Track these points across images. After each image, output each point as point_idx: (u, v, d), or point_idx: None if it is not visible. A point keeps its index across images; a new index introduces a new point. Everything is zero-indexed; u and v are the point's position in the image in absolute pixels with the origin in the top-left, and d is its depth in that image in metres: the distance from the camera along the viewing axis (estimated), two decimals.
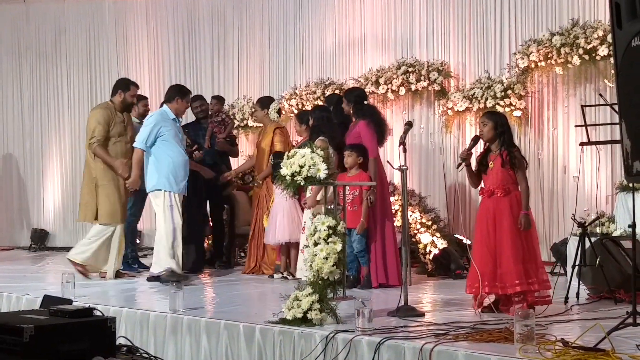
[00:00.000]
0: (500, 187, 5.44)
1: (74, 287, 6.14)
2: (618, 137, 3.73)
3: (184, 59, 11.91)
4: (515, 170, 5.46)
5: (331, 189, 5.87)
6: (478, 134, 5.63)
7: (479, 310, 5.37)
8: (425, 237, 8.16)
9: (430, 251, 8.02)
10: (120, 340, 4.24)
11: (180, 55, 11.92)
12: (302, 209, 7.50)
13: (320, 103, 9.51)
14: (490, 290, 5.39)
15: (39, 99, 12.39)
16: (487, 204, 5.51)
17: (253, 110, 8.37)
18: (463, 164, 5.56)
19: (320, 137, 7.06)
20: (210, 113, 8.99)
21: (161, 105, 7.99)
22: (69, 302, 4.78)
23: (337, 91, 9.77)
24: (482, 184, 5.64)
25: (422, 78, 9.31)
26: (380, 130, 7.11)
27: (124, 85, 8.01)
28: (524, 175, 5.52)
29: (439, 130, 9.40)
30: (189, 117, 9.48)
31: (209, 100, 9.23)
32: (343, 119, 7.42)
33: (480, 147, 5.88)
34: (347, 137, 7.18)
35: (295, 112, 9.89)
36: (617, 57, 3.73)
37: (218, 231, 8.93)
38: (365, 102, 7.30)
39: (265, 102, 8.42)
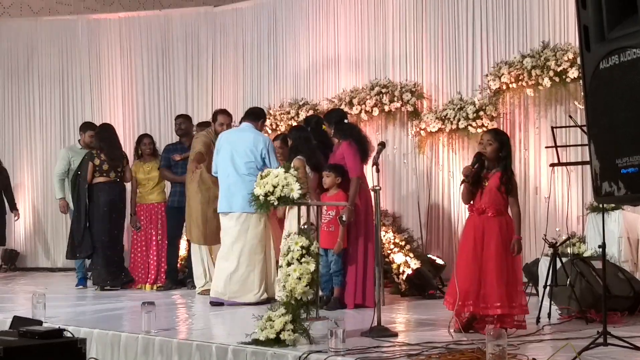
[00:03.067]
0: (492, 207, 5.42)
1: (44, 308, 6.07)
2: (588, 158, 3.76)
3: (157, 79, 11.90)
4: (509, 194, 5.45)
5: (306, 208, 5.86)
6: (481, 150, 5.53)
7: (452, 330, 5.36)
8: (398, 257, 8.17)
9: (403, 271, 8.03)
10: None
11: (154, 74, 11.90)
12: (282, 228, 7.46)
13: (295, 124, 9.53)
14: (474, 310, 5.38)
15: (10, 117, 12.28)
16: (476, 222, 5.47)
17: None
18: (466, 181, 5.50)
19: (297, 157, 7.07)
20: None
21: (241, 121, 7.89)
22: (39, 323, 4.74)
23: (311, 112, 9.81)
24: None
25: (395, 99, 9.37)
26: (362, 148, 7.09)
27: (213, 117, 8.33)
28: (517, 200, 5.50)
29: (412, 150, 9.46)
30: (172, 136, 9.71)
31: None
32: (322, 139, 7.43)
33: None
34: (331, 158, 7.16)
35: (270, 132, 9.92)
36: (585, 79, 3.77)
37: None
38: (346, 121, 7.29)
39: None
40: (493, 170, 5.50)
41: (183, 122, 9.14)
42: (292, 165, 6.76)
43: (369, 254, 6.97)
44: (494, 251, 5.37)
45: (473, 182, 5.51)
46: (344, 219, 6.80)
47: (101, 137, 8.96)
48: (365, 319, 5.85)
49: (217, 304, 7.18)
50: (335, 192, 6.93)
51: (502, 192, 5.44)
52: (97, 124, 9.48)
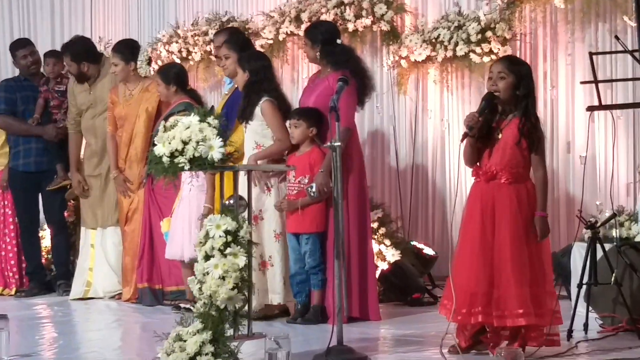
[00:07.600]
0: (507, 169, 5.44)
1: None
2: None
3: None
4: (533, 150, 5.45)
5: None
6: (492, 89, 5.52)
7: (446, 351, 5.38)
8: None
9: (377, 266, 8.04)
10: None
11: None
12: None
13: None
14: (483, 320, 5.39)
15: None
16: (484, 191, 5.49)
17: (112, 64, 8.24)
18: (469, 134, 5.47)
19: (265, 98, 6.95)
20: (46, 77, 8.97)
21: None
22: None
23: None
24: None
25: (364, 13, 9.32)
26: (363, 85, 6.99)
27: None
28: (543, 159, 5.52)
29: (388, 89, 9.46)
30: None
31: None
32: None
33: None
34: (308, 94, 7.08)
35: (178, 61, 9.84)
36: None
37: (60, 241, 8.87)
38: (339, 42, 7.17)
39: (127, 50, 8.33)
40: (509, 116, 5.50)
41: (35, 52, 9.07)
42: (259, 109, 6.78)
43: (366, 246, 6.95)
44: (509, 235, 5.38)
45: (480, 135, 5.51)
46: (313, 190, 6.72)
47: None
48: (320, 337, 5.88)
49: None
50: (308, 149, 6.90)
51: (523, 147, 5.43)
52: None
